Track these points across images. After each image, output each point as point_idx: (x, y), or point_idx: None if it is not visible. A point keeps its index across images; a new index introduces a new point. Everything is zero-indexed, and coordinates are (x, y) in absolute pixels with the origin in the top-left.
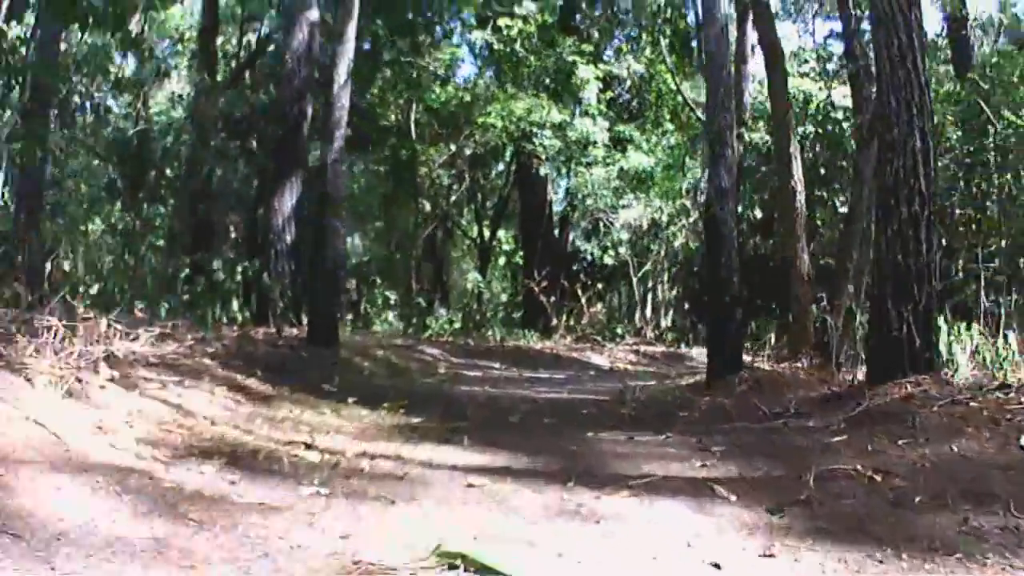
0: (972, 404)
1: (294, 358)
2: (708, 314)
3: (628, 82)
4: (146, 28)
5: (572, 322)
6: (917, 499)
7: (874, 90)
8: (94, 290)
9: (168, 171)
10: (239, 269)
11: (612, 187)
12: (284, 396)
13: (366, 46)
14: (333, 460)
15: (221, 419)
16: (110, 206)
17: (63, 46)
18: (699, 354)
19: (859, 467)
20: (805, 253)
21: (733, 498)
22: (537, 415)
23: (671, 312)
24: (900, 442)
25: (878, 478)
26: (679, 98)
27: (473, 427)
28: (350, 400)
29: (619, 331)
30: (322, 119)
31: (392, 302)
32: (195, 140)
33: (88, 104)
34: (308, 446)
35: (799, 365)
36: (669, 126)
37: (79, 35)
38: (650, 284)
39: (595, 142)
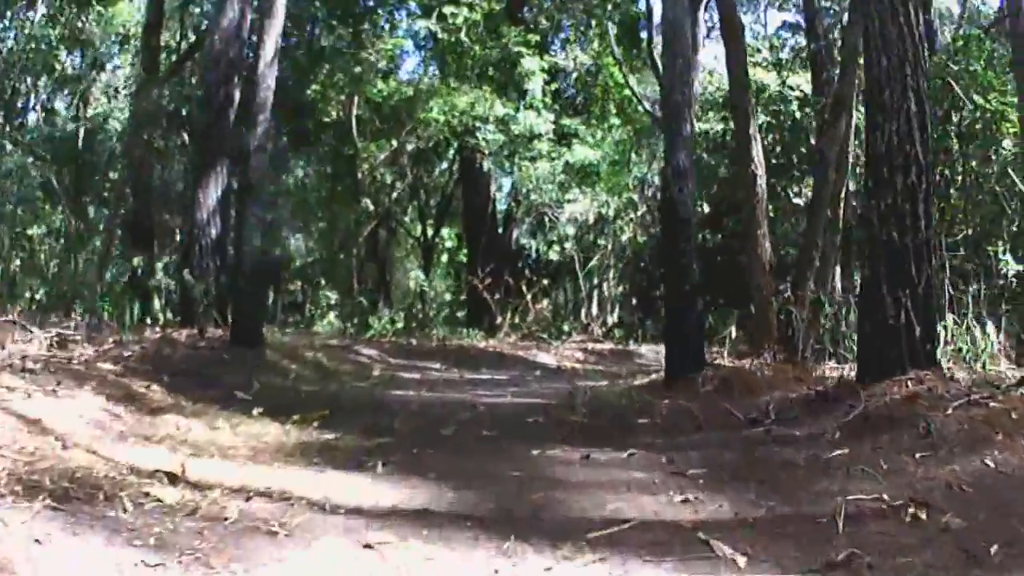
0: (993, 405)
1: (213, 361)
2: (665, 305)
3: (575, 74)
4: (92, 24)
5: (517, 320)
6: (992, 549)
7: (836, 72)
8: (40, 294)
9: (112, 173)
10: (159, 267)
11: (557, 181)
12: (180, 407)
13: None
14: (195, 501)
15: (83, 439)
16: (48, 207)
17: (9, 43)
18: (649, 351)
19: (887, 497)
20: (767, 241)
21: (740, 560)
22: (475, 425)
23: (617, 309)
24: (917, 455)
25: (921, 514)
26: (626, 91)
27: (397, 444)
28: (256, 411)
29: (565, 328)
30: (246, 101)
31: (334, 302)
32: (132, 136)
33: (31, 102)
34: (173, 478)
35: (763, 360)
36: (615, 120)
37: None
38: (596, 280)
39: (540, 135)
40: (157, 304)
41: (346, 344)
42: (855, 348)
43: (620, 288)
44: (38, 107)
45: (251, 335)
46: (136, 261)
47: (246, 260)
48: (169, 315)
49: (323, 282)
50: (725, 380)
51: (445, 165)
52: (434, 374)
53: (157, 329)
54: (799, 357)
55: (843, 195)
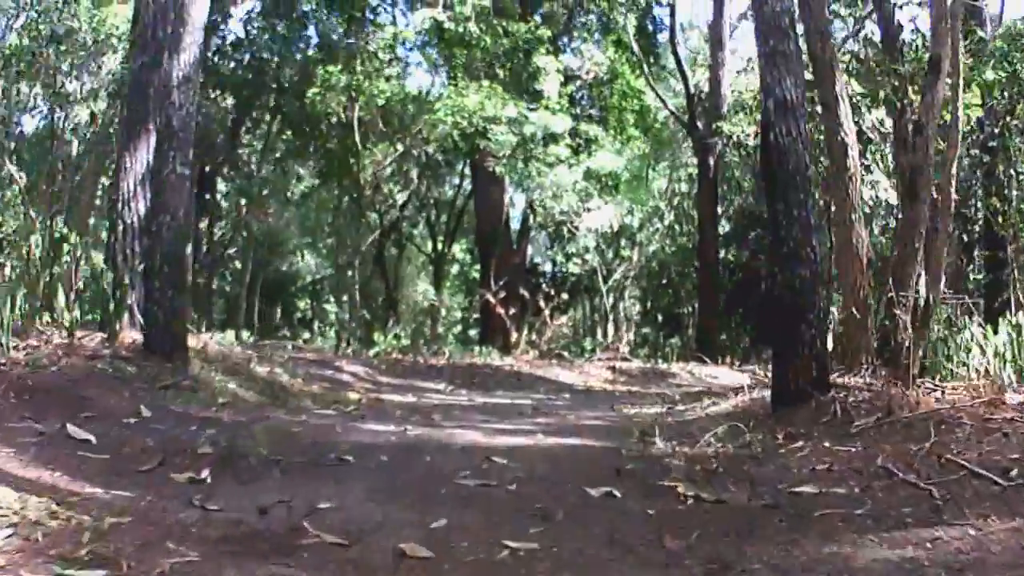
0: None
1: (102, 377)
2: (768, 301)
3: (591, 76)
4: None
5: (534, 337)
6: None
7: None
8: None
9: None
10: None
11: (577, 189)
12: None
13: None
14: None
15: None
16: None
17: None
18: (682, 371)
19: None
20: (863, 228)
21: None
22: (487, 511)
23: (639, 326)
24: None
25: None
26: (645, 99)
27: None
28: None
29: (587, 346)
30: (169, 22)
31: (334, 318)
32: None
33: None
34: None
35: (865, 379)
36: (633, 131)
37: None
38: (617, 295)
39: (557, 138)
40: (63, 300)
41: (326, 359)
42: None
43: (646, 304)
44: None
45: (170, 341)
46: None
47: (164, 236)
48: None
49: (331, 299)
50: (869, 410)
51: (457, 180)
52: (434, 397)
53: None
54: (906, 374)
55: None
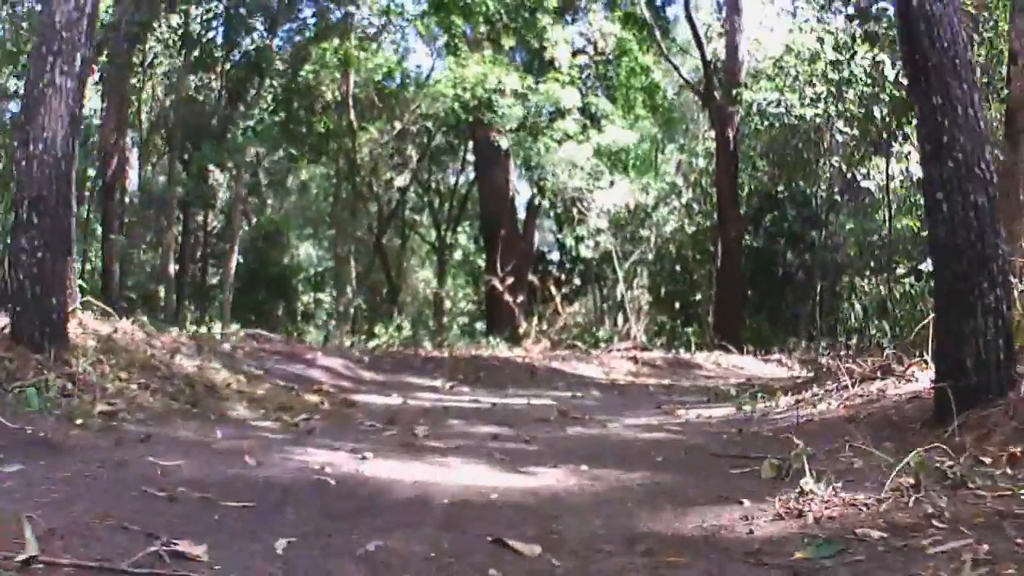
0: None
1: None
2: (936, 278)
3: (599, 50)
4: None
5: (545, 326)
6: None
7: None
8: None
9: None
10: None
11: (588, 166)
12: None
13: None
14: None
15: None
16: None
17: None
18: (707, 362)
19: None
20: None
21: None
22: None
23: (654, 314)
24: None
25: None
26: (653, 77)
27: None
28: None
29: (601, 335)
30: None
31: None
32: None
33: None
34: None
35: None
36: (641, 111)
37: None
38: (634, 280)
39: (565, 112)
40: None
41: (297, 352)
42: None
43: (659, 290)
44: None
45: (39, 324)
46: None
47: (34, 174)
48: None
49: (333, 292)
50: None
51: (459, 165)
52: (427, 398)
53: None
54: None
55: None
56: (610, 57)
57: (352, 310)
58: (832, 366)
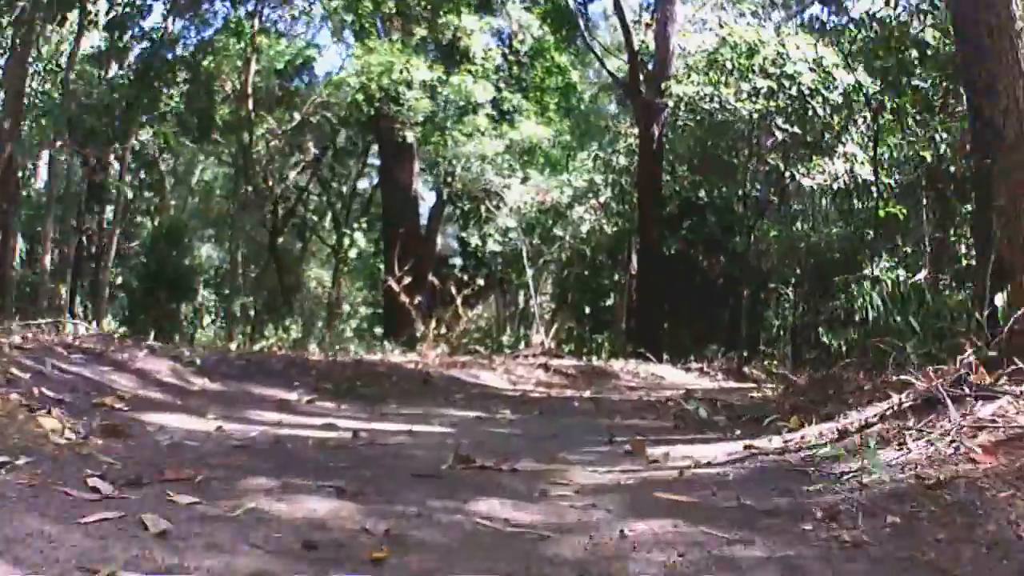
0: None
1: None
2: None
3: (518, 38)
4: None
5: (445, 330)
6: None
7: None
8: None
9: None
10: None
11: (498, 161)
12: None
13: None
14: None
15: None
16: None
17: None
18: (623, 371)
19: None
20: None
21: None
22: None
23: (560, 319)
24: None
25: None
26: (569, 77)
27: None
28: None
29: (505, 341)
30: None
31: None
32: None
33: None
34: None
35: None
36: (553, 113)
37: None
38: (543, 282)
39: (477, 107)
40: None
41: (110, 352)
42: None
43: (565, 295)
44: None
45: None
46: None
47: None
48: None
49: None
50: None
51: (361, 167)
52: (257, 422)
53: None
54: None
55: None
56: (525, 57)
57: (249, 312)
58: (839, 375)
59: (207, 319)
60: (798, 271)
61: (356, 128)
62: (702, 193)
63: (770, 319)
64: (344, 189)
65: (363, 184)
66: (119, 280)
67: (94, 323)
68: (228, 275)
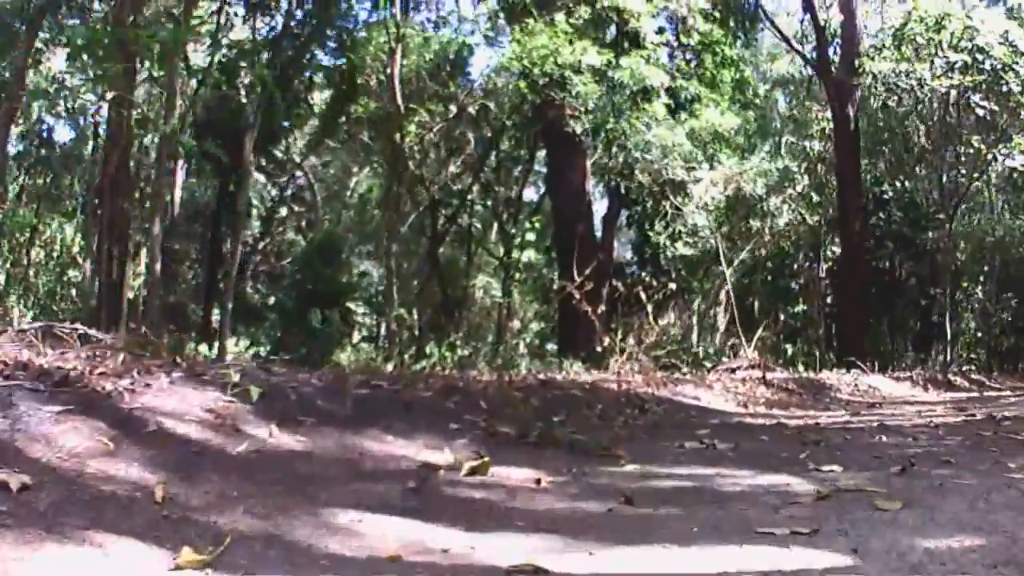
0: None
1: None
2: None
3: (689, 24)
4: None
5: (633, 342)
6: None
7: None
8: None
9: None
10: None
11: (683, 151)
12: None
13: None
14: None
15: None
16: None
17: None
18: (839, 380)
19: None
20: None
21: None
22: None
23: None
24: None
25: None
26: (744, 70)
27: None
28: None
29: (700, 352)
30: None
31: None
32: None
33: None
34: None
35: None
36: (724, 105)
37: None
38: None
39: (651, 94)
40: None
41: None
42: None
43: (751, 300)
44: None
45: None
46: None
47: None
48: None
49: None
50: None
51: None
52: None
53: None
54: None
55: None
56: (693, 53)
57: (413, 330)
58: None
59: (356, 336)
60: (986, 268)
61: (519, 127)
62: (885, 185)
63: (968, 321)
64: (512, 195)
65: (530, 194)
66: (272, 300)
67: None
68: (385, 290)
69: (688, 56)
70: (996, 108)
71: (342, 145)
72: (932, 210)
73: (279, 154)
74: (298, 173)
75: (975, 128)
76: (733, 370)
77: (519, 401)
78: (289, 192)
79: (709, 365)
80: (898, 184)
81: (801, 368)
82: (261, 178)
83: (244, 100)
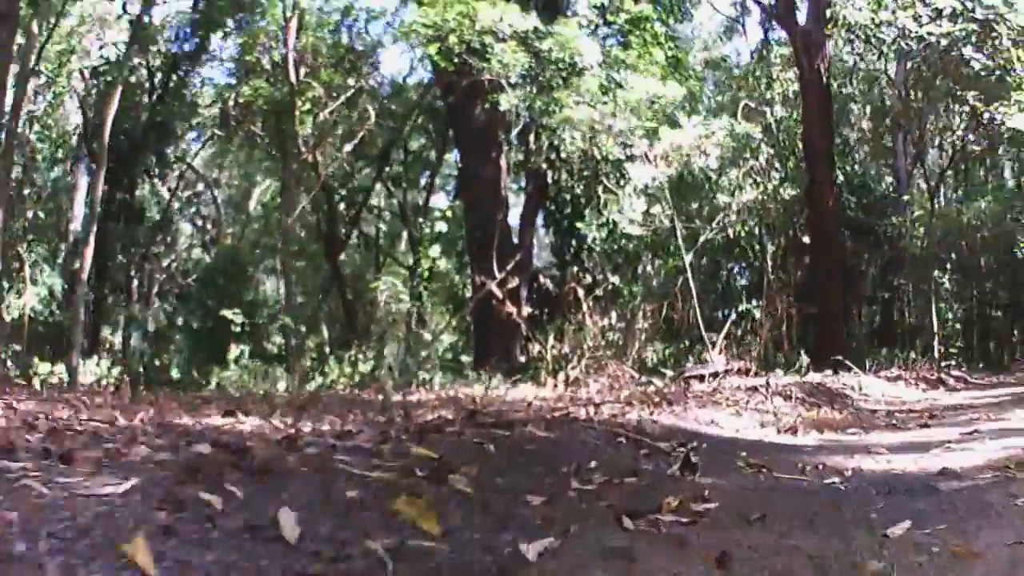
0: None
1: None
2: None
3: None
4: None
5: (568, 349)
6: None
7: None
8: None
9: None
10: None
11: (621, 126)
12: None
13: None
14: None
15: None
16: None
17: None
18: (846, 385)
19: None
20: None
21: None
22: None
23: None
24: None
25: None
26: (677, 47)
27: None
28: None
29: (663, 358)
30: None
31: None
32: None
33: None
34: None
35: None
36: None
37: None
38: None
39: (582, 70)
40: None
41: None
42: None
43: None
44: None
45: None
46: None
47: None
48: None
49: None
50: None
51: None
52: None
53: None
54: None
55: None
56: (624, 28)
57: (317, 348)
58: None
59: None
60: (953, 256)
61: (427, 110)
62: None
63: (945, 313)
64: (420, 201)
65: (441, 201)
66: (180, 320)
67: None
68: (286, 301)
69: (616, 36)
70: (991, 63)
71: (232, 138)
72: (890, 193)
73: (171, 154)
74: (200, 187)
75: (969, 84)
76: (702, 377)
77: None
78: (187, 202)
79: (670, 373)
80: (848, 168)
81: (780, 371)
82: (163, 191)
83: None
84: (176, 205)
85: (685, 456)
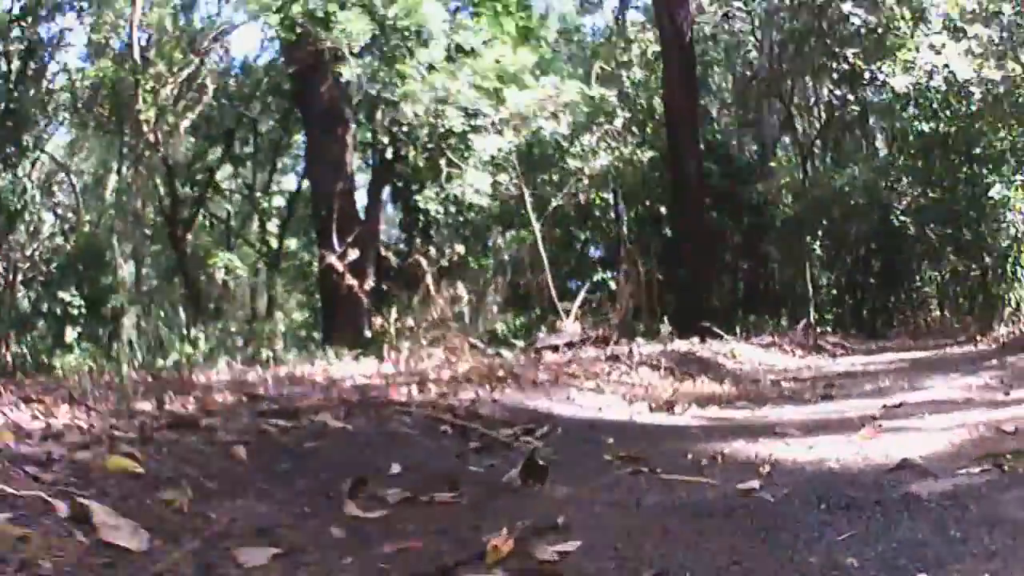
0: None
1: None
2: None
3: None
4: None
5: (412, 323)
6: None
7: None
8: None
9: None
10: None
11: (463, 97)
12: None
13: None
14: None
15: None
16: None
17: None
18: (717, 352)
19: None
20: None
21: None
22: None
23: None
24: None
25: None
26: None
27: None
28: None
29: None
30: None
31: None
32: None
33: None
34: None
35: None
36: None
37: None
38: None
39: (427, 39)
40: None
41: None
42: None
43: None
44: None
45: None
46: None
47: None
48: None
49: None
50: None
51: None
52: None
53: None
54: None
55: None
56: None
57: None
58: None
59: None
60: (825, 223)
61: (273, 91)
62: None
63: (818, 278)
64: (269, 179)
65: (290, 184)
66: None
67: None
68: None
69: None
70: (873, 19)
71: (86, 123)
72: (754, 160)
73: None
74: (60, 175)
75: (847, 42)
76: (556, 348)
77: None
78: (46, 190)
79: (521, 344)
80: (710, 137)
81: (641, 340)
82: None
83: None
84: (36, 194)
85: (529, 456)
